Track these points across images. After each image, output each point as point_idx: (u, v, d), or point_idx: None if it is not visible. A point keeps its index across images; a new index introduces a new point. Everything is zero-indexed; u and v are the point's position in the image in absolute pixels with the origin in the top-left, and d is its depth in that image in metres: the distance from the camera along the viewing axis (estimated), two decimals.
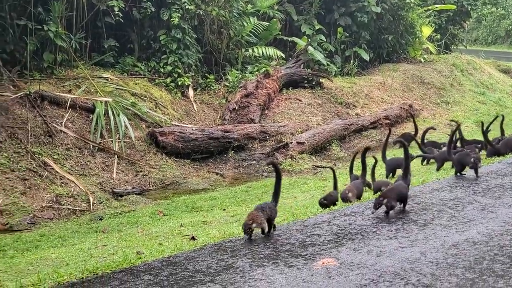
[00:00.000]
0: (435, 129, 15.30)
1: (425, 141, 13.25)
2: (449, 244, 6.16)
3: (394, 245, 6.24)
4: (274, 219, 6.91)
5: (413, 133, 14.48)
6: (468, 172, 9.53)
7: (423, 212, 7.54)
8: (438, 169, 10.92)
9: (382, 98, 20.84)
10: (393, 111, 19.15)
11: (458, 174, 9.77)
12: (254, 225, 6.61)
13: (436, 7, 27.29)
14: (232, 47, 19.48)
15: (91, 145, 13.55)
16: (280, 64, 20.17)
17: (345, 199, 8.60)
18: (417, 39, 25.06)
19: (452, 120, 13.39)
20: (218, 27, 18.90)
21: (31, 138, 12.80)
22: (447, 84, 23.78)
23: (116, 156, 13.64)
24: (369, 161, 10.10)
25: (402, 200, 7.46)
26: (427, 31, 26.13)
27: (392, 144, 14.63)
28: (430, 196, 8.42)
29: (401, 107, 19.52)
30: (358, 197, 8.80)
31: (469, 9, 28.92)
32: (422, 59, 25.20)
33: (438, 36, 28.06)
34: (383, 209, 7.23)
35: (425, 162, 12.53)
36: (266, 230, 6.75)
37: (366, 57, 22.72)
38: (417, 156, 12.39)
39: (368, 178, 9.64)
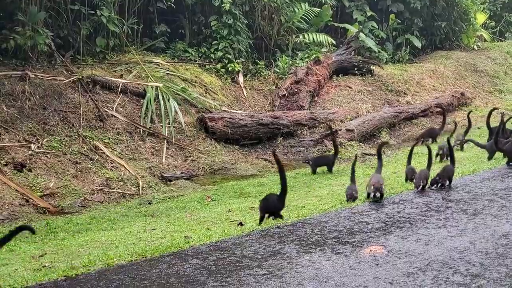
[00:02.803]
0: (497, 109, 15.04)
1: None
2: (499, 234, 6.09)
3: (443, 234, 6.19)
4: None
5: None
6: None
7: (473, 201, 7.46)
8: (489, 159, 10.78)
9: (433, 86, 20.57)
10: (445, 99, 18.87)
11: (510, 164, 9.63)
12: None
13: None
14: (282, 33, 19.41)
15: (141, 130, 13.68)
16: (331, 50, 20.03)
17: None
18: (471, 26, 24.58)
19: (493, 109, 13.22)
20: (269, 13, 18.85)
21: (82, 122, 12.99)
22: (501, 72, 23.34)
23: (165, 141, 13.73)
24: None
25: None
26: (481, 18, 25.64)
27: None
28: (481, 186, 8.32)
29: (452, 95, 19.25)
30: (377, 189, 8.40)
31: None
32: (475, 47, 24.72)
33: (493, 23, 27.51)
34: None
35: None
36: None
37: (418, 44, 22.41)
38: (467, 141, 12.34)
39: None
